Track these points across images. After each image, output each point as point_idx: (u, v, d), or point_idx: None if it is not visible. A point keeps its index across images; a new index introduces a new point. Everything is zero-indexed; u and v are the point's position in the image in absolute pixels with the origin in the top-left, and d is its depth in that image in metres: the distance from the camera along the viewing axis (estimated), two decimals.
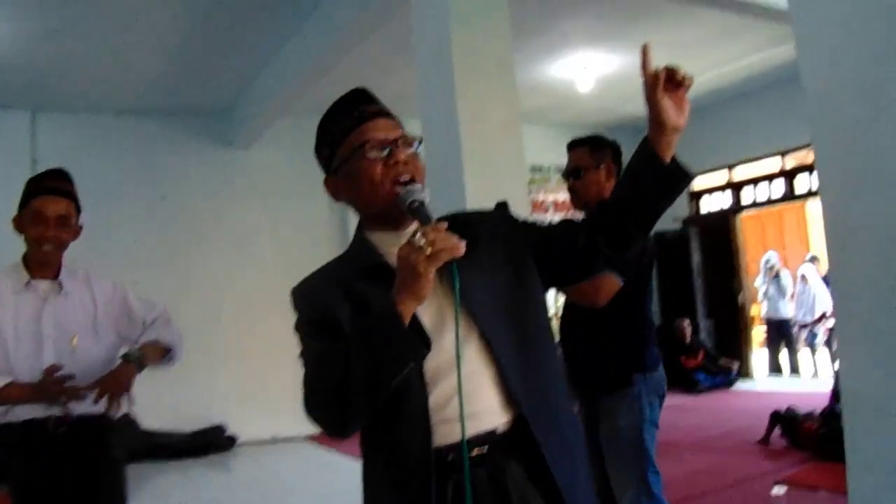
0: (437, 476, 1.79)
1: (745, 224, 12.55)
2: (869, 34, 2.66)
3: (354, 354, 1.72)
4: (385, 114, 2.02)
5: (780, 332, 12.15)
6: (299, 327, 1.95)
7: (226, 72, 8.64)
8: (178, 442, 9.04)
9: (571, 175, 3.73)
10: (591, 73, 9.56)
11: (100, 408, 3.31)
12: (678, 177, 1.89)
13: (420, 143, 2.01)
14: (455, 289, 1.77)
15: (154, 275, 8.98)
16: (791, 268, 13.08)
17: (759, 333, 13.39)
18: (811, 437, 6.77)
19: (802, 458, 6.70)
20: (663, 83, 1.83)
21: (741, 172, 11.98)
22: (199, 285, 9.70)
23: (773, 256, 12.67)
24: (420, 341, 1.73)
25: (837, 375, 7.16)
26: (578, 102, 10.78)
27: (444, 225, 1.72)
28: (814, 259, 12.57)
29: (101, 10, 6.70)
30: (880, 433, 2.64)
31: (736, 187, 12.00)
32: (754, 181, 11.83)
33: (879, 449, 2.65)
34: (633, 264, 3.35)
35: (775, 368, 12.11)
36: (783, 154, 11.21)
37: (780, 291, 12.18)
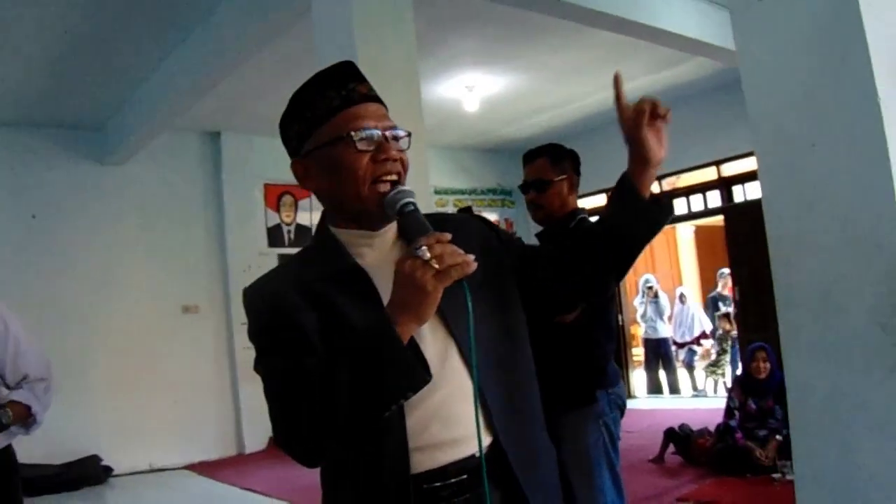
0: None
1: None
2: (811, 48, 2.68)
3: (340, 378, 1.50)
4: (375, 98, 1.79)
5: (657, 352, 12.39)
6: (257, 336, 1.72)
7: (103, 85, 8.26)
8: (49, 475, 8.49)
9: (532, 188, 3.55)
10: (476, 94, 9.54)
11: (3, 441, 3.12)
12: (660, 211, 1.79)
13: (409, 136, 1.78)
14: (468, 313, 1.55)
15: (22, 298, 8.51)
16: (662, 289, 13.36)
17: (637, 353, 13.61)
18: (707, 452, 6.88)
19: (699, 474, 6.80)
20: (647, 117, 1.73)
21: None
22: (70, 309, 9.18)
23: (651, 278, 12.94)
24: (423, 369, 1.52)
25: (729, 391, 7.32)
26: (463, 123, 10.77)
27: (448, 236, 1.52)
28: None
29: None
30: (828, 445, 2.65)
31: None
32: None
33: (828, 461, 2.66)
34: None
35: (654, 388, 12.31)
36: (660, 178, 11.43)
37: (658, 312, 12.45)
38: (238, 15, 6.49)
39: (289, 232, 11.01)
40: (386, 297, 1.59)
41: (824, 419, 2.66)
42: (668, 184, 11.46)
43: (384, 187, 1.69)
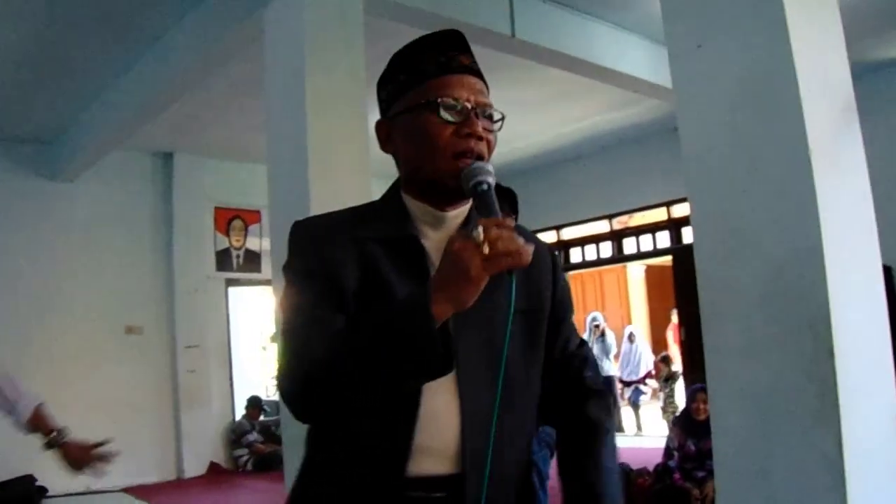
0: None
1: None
2: (745, 97, 2.72)
3: (360, 340, 1.41)
4: (477, 72, 1.65)
5: None
6: (295, 271, 1.60)
7: (54, 100, 8.15)
8: None
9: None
10: None
11: None
12: None
13: (503, 120, 1.65)
14: (510, 304, 1.43)
15: None
16: (611, 327, 13.42)
17: None
18: (645, 493, 6.88)
19: None
20: None
21: (569, 233, 12.20)
22: (9, 325, 8.94)
23: (598, 316, 12.98)
24: (444, 360, 1.38)
25: (670, 430, 7.35)
26: None
27: (511, 223, 1.39)
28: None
29: None
30: (751, 490, 2.66)
31: (564, 247, 12.19)
32: (582, 242, 12.08)
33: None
34: None
35: None
36: (611, 217, 11.50)
37: (605, 350, 12.46)
38: (191, 37, 6.46)
39: (238, 256, 10.93)
40: None
41: (747, 464, 2.68)
42: (620, 223, 11.53)
43: (464, 164, 1.55)
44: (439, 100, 1.57)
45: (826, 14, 2.90)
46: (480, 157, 1.57)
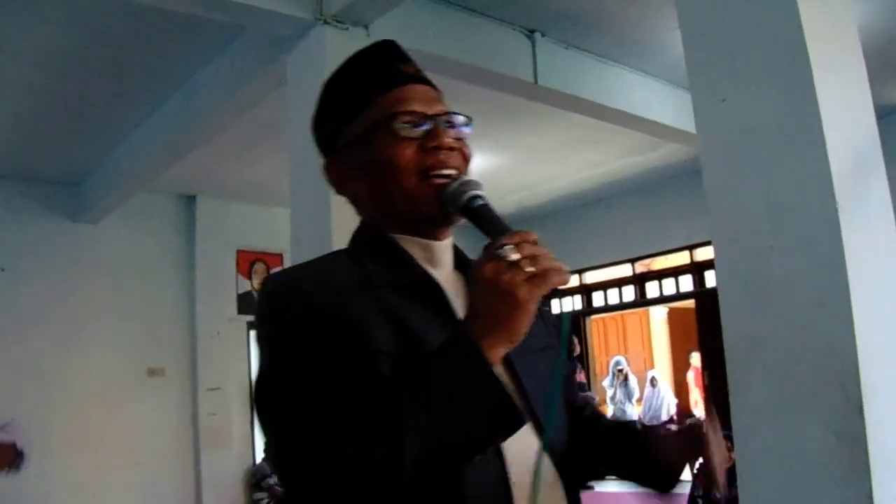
0: None
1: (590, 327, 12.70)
2: (772, 151, 2.70)
3: (410, 417, 1.08)
4: (425, 79, 1.43)
5: None
6: (294, 333, 1.22)
7: (79, 142, 8.22)
8: None
9: None
10: None
11: None
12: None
13: (471, 123, 1.41)
14: (563, 332, 1.26)
15: None
16: (634, 370, 13.34)
17: None
18: None
19: None
20: None
21: (592, 277, 12.16)
22: (33, 366, 8.96)
23: (622, 360, 12.91)
24: (516, 407, 1.12)
25: (694, 479, 7.26)
26: None
27: (534, 235, 1.16)
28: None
29: None
30: None
31: (587, 291, 12.15)
32: (605, 286, 12.03)
33: None
34: None
35: None
36: (633, 261, 11.45)
37: (628, 394, 12.39)
38: (216, 82, 6.50)
39: None
40: None
41: None
42: (643, 266, 11.49)
43: (440, 182, 1.32)
44: (394, 118, 1.34)
45: (851, 65, 2.89)
46: (458, 172, 1.35)
